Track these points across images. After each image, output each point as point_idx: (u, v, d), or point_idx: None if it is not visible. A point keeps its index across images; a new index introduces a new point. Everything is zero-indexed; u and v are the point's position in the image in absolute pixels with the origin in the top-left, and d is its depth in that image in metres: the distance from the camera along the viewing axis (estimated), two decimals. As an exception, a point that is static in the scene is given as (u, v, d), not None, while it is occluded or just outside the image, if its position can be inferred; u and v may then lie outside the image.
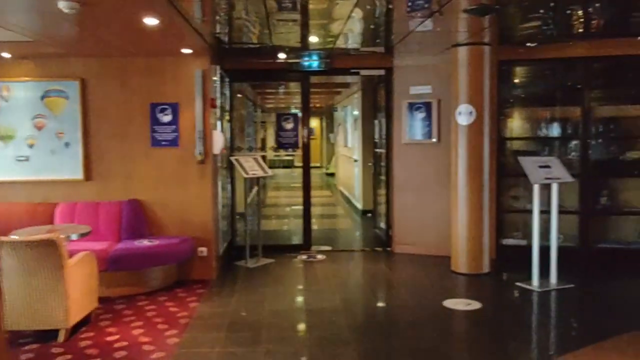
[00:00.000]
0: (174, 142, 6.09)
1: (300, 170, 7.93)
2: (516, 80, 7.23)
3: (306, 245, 7.60)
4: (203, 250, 6.11)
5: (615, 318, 4.72)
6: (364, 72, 7.58)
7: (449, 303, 5.12)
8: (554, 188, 5.63)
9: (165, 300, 5.32)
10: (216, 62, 6.39)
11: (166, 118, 6.06)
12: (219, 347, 4.11)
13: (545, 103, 7.23)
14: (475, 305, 5.06)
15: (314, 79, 7.84)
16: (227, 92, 7.25)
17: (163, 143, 6.09)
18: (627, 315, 4.82)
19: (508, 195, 7.10)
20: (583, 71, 6.61)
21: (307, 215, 7.61)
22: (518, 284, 5.71)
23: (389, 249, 7.49)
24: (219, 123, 6.48)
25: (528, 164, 5.59)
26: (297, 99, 8.28)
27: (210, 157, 6.12)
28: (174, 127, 6.08)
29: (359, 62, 7.35)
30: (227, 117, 7.23)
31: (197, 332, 4.43)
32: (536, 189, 5.55)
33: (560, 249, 5.79)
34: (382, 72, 7.44)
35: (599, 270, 6.35)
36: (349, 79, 10.21)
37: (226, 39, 6.51)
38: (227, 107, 7.26)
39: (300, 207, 7.70)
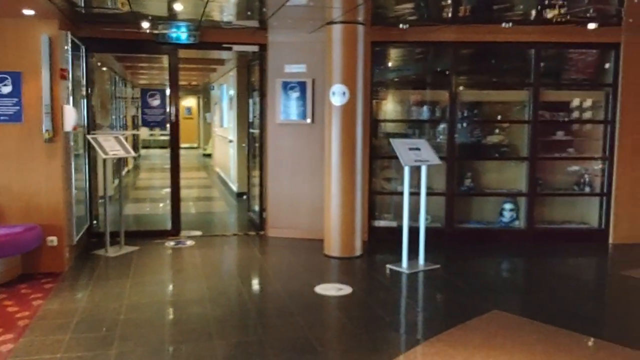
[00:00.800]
0: (15, 117, 5.32)
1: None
2: (389, 62, 7.28)
3: (175, 230, 7.13)
4: (53, 240, 5.45)
5: (477, 298, 4.88)
6: (237, 48, 7.20)
7: (321, 289, 5.00)
8: (423, 170, 5.71)
9: (4, 299, 4.65)
10: (68, 28, 5.67)
11: (5, 89, 5.27)
12: (62, 352, 3.61)
13: (417, 86, 7.37)
14: (347, 290, 4.99)
15: (183, 53, 7.33)
16: (83, 64, 6.52)
17: (2, 118, 5.30)
18: (488, 295, 5.01)
19: (380, 177, 7.17)
20: (452, 56, 6.78)
21: (175, 199, 7.13)
22: (389, 266, 5.74)
23: (262, 233, 7.26)
24: (71, 97, 5.78)
25: (399, 146, 5.60)
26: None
27: (60, 135, 5.44)
28: (15, 99, 5.31)
29: (231, 36, 6.95)
30: (84, 91, 6.51)
31: (37, 336, 3.88)
32: (407, 171, 5.59)
33: (428, 230, 5.91)
34: (255, 48, 7.12)
35: (462, 250, 6.61)
36: (223, 54, 9.74)
37: (81, 2, 5.79)
38: (84, 80, 6.53)
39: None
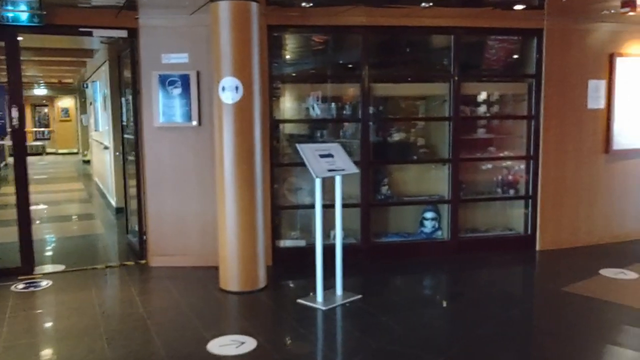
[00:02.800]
0: None
1: (52, 158, 5.80)
2: (290, 51, 6.18)
3: (27, 267, 5.57)
4: None
5: (407, 345, 3.90)
6: (99, 33, 5.73)
7: (216, 345, 3.79)
8: (338, 182, 4.67)
9: None
10: None
11: None
12: None
13: (323, 79, 6.33)
14: (249, 344, 3.82)
15: (28, 40, 5.76)
16: None
17: None
18: (424, 339, 4.05)
19: (284, 187, 6.06)
20: (362, 43, 5.78)
21: (25, 226, 5.56)
22: (300, 301, 4.64)
23: (143, 262, 5.89)
24: None
25: (308, 153, 4.51)
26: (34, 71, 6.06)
27: None
28: None
29: (90, 18, 5.50)
30: None
31: None
32: (318, 183, 4.51)
33: (343, 248, 4.88)
34: (124, 33, 5.71)
35: (383, 270, 5.67)
36: (85, 42, 8.12)
37: None
38: None
39: (45, 207, 5.61)
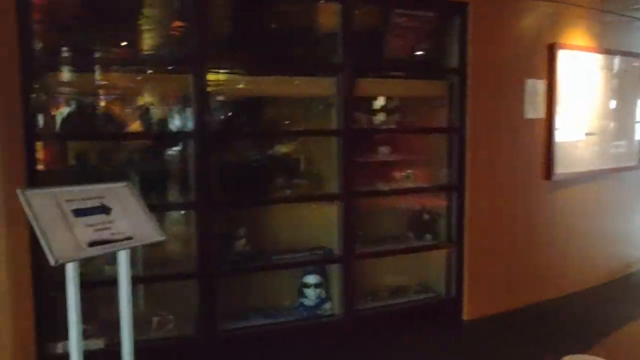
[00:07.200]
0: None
1: None
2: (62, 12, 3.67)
3: None
4: None
5: None
6: None
7: None
8: (122, 260, 2.31)
9: None
10: None
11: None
12: None
13: (117, 62, 3.84)
14: None
15: None
16: None
17: None
18: None
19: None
20: (195, 7, 3.48)
21: None
22: None
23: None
24: None
25: (45, 208, 2.10)
26: None
27: None
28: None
29: None
30: None
31: None
32: (69, 268, 2.13)
33: (166, 345, 2.63)
34: None
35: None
36: None
37: None
38: None
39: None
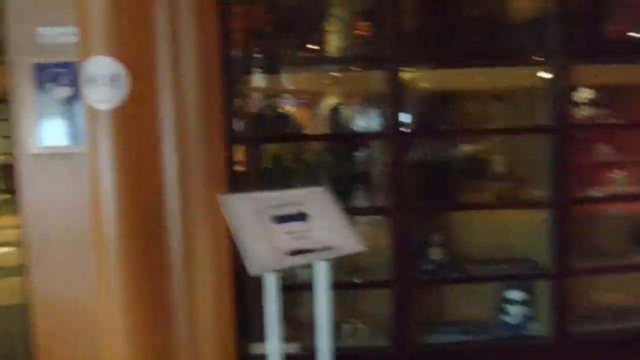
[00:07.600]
0: None
1: None
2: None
3: None
4: None
5: None
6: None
7: None
8: (322, 269, 2.16)
9: None
10: None
11: None
12: None
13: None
14: None
15: None
16: None
17: None
18: None
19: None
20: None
21: None
22: None
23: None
24: None
25: (245, 215, 2.02)
26: None
27: None
28: None
29: None
30: None
31: None
32: (270, 279, 2.03)
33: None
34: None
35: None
36: None
37: None
38: None
39: None
